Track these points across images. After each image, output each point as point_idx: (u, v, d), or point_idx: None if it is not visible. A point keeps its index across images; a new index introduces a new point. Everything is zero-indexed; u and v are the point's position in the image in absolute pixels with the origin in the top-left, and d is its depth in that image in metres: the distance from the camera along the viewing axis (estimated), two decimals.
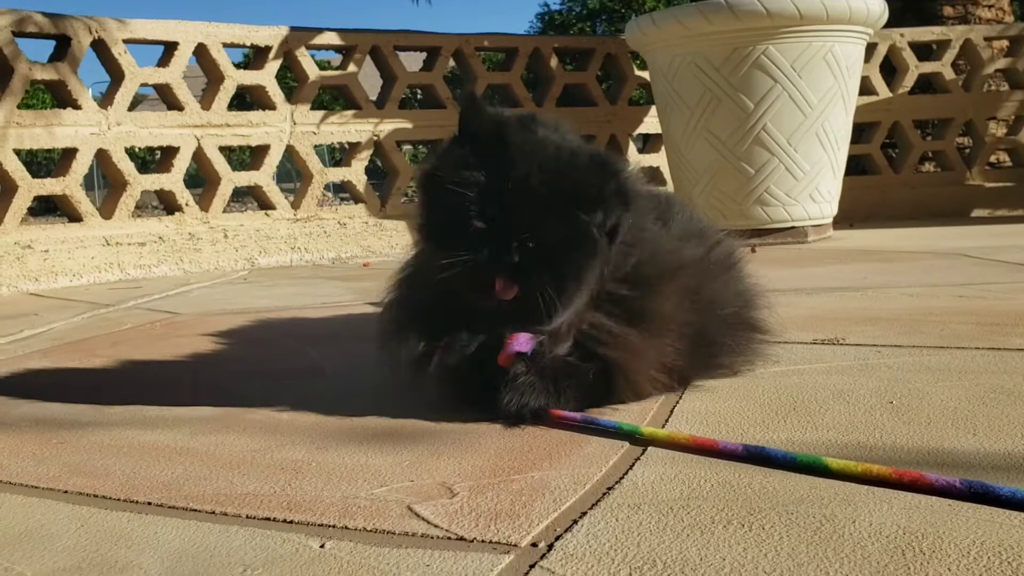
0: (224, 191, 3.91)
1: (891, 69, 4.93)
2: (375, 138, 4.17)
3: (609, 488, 0.96)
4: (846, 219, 4.12)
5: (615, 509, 0.90)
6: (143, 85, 3.81)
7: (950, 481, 0.89)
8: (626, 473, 1.00)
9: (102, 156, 3.65)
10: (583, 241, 1.19)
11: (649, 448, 1.09)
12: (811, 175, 3.67)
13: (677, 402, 1.29)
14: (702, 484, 0.96)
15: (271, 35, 3.99)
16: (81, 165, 3.59)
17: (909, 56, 4.90)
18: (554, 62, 4.58)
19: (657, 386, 1.30)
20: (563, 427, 1.19)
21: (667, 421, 1.21)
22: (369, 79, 4.20)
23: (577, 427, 1.18)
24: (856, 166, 4.68)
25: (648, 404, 1.28)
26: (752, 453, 1.02)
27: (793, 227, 3.74)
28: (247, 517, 0.94)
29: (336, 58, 4.47)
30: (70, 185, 3.56)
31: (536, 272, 1.17)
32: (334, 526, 0.90)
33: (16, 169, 3.44)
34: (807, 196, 3.71)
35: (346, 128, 4.15)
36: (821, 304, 2.16)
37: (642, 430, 1.12)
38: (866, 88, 4.59)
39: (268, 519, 0.93)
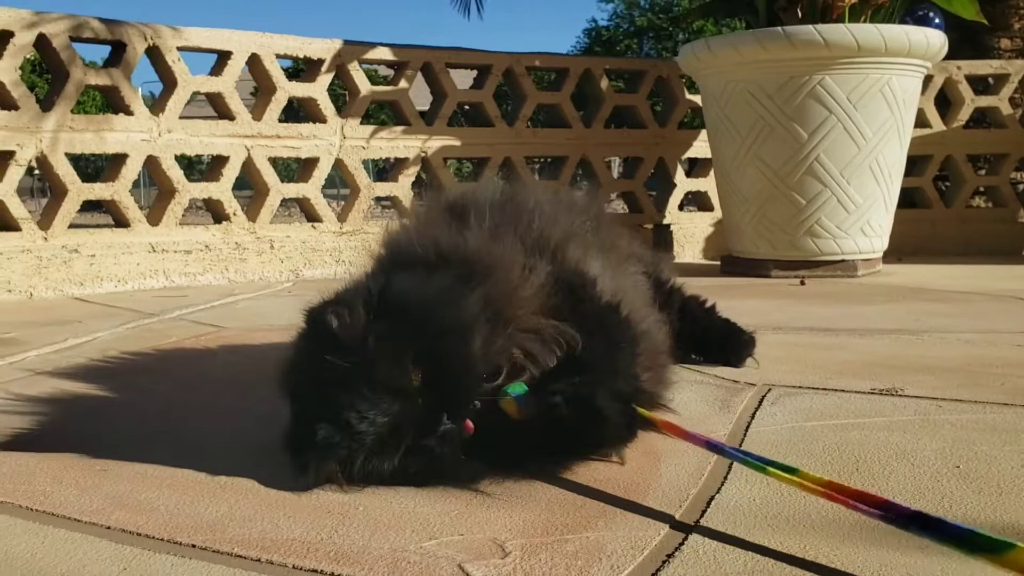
0: (272, 202, 3.91)
1: (946, 102, 4.84)
2: (423, 154, 4.16)
3: (669, 556, 0.92)
4: (894, 253, 4.04)
5: None
6: (195, 93, 3.83)
7: None
8: (686, 538, 0.96)
9: (152, 163, 3.66)
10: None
11: (709, 509, 1.05)
12: (863, 208, 3.61)
13: None
14: (763, 560, 0.91)
15: (324, 48, 3.99)
16: (131, 171, 3.61)
17: (965, 89, 4.81)
18: (604, 83, 4.55)
19: None
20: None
21: (726, 477, 1.16)
22: (417, 93, 4.19)
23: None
24: (906, 199, 4.58)
25: (705, 457, 1.23)
26: (918, 518, 0.89)
27: (843, 260, 3.67)
28: (293, 567, 0.91)
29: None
30: (119, 191, 3.58)
31: None
32: None
33: (67, 173, 3.47)
34: (858, 229, 3.64)
35: (395, 143, 4.14)
36: (876, 348, 2.10)
37: (768, 470, 1.04)
38: (920, 120, 4.50)
39: (315, 571, 0.90)
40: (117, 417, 1.55)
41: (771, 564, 0.89)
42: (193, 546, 0.97)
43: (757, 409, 1.53)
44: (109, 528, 1.02)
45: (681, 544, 0.95)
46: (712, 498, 1.09)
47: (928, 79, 4.53)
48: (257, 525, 1.02)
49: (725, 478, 1.16)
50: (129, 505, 1.09)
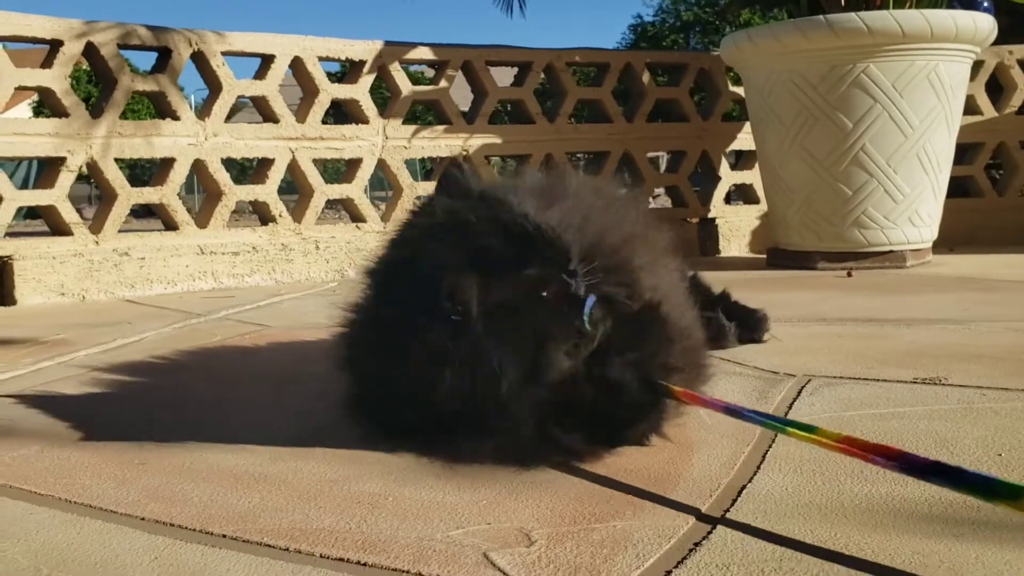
0: (317, 203, 3.95)
1: (998, 87, 4.74)
2: (464, 153, 4.17)
3: (696, 544, 0.91)
4: (945, 243, 3.96)
5: (702, 568, 0.85)
6: (240, 97, 3.87)
7: None
8: (715, 527, 0.95)
9: (199, 166, 3.72)
10: None
11: (740, 499, 1.04)
12: (911, 198, 3.54)
13: (770, 446, 1.23)
14: (791, 550, 0.90)
15: (366, 49, 4.02)
16: (178, 175, 3.66)
17: (1018, 74, 4.70)
18: (646, 77, 4.52)
19: None
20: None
21: (759, 467, 1.15)
22: (459, 91, 4.20)
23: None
24: (957, 188, 4.49)
25: (739, 448, 1.22)
26: (936, 468, 0.89)
27: (891, 251, 3.61)
28: (320, 556, 0.92)
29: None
30: (167, 194, 3.64)
31: None
32: (408, 572, 0.87)
33: (116, 178, 3.53)
34: (906, 219, 3.58)
35: (436, 143, 4.16)
36: (921, 337, 2.06)
37: (787, 430, 1.06)
38: (970, 107, 4.42)
39: (341, 559, 0.91)
40: (157, 413, 1.57)
41: (799, 554, 0.88)
42: (224, 536, 0.98)
43: (795, 399, 1.51)
44: (144, 519, 1.04)
45: (709, 533, 0.94)
46: (743, 487, 1.08)
47: (979, 65, 4.43)
48: (287, 516, 1.03)
49: (758, 468, 1.15)
50: (164, 497, 1.11)
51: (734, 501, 1.03)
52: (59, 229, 3.47)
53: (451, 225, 1.15)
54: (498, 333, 1.10)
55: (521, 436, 1.14)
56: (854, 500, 1.02)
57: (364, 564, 0.89)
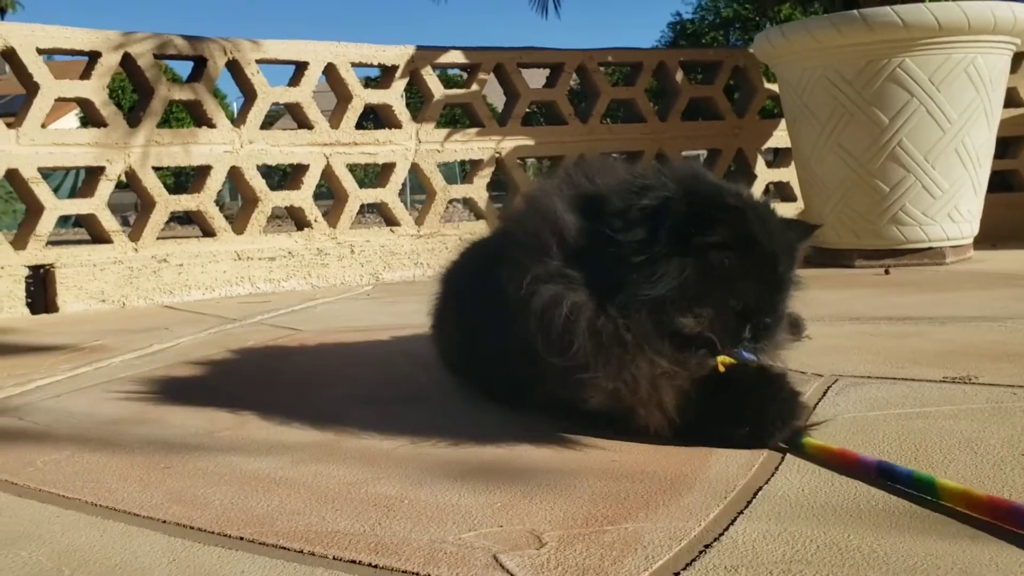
0: (351, 208, 3.98)
1: None
2: (497, 155, 4.18)
3: (707, 546, 0.91)
4: (987, 239, 3.90)
5: (710, 571, 0.85)
6: (274, 104, 3.92)
7: None
8: (727, 529, 0.95)
9: (235, 173, 3.76)
10: None
11: (755, 500, 1.03)
12: (950, 193, 3.49)
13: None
14: (807, 545, 0.90)
15: (398, 54, 4.05)
16: (215, 182, 3.72)
17: None
18: (680, 75, 4.50)
19: None
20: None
21: (777, 468, 1.14)
22: (497, 93, 4.21)
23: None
24: (1000, 182, 4.42)
25: (757, 450, 1.22)
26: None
27: (930, 248, 3.56)
28: (333, 559, 0.93)
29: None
30: (204, 201, 3.69)
31: None
32: (417, 574, 0.88)
33: (154, 186, 3.59)
34: (945, 215, 3.52)
35: (469, 146, 4.17)
36: (955, 336, 2.03)
37: (937, 482, 1.02)
38: (1013, 100, 4.34)
39: (354, 562, 0.92)
40: (185, 416, 1.60)
41: (810, 555, 0.88)
42: (241, 539, 0.99)
43: (821, 399, 1.50)
44: (165, 522, 1.06)
45: (721, 535, 0.94)
46: (760, 489, 1.07)
47: (1020, 56, 4.35)
48: (304, 519, 1.04)
49: (776, 469, 1.14)
50: (186, 500, 1.13)
51: (749, 503, 1.03)
52: (99, 237, 3.54)
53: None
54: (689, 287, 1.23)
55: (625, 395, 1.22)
56: (870, 502, 1.01)
57: (375, 566, 0.90)
